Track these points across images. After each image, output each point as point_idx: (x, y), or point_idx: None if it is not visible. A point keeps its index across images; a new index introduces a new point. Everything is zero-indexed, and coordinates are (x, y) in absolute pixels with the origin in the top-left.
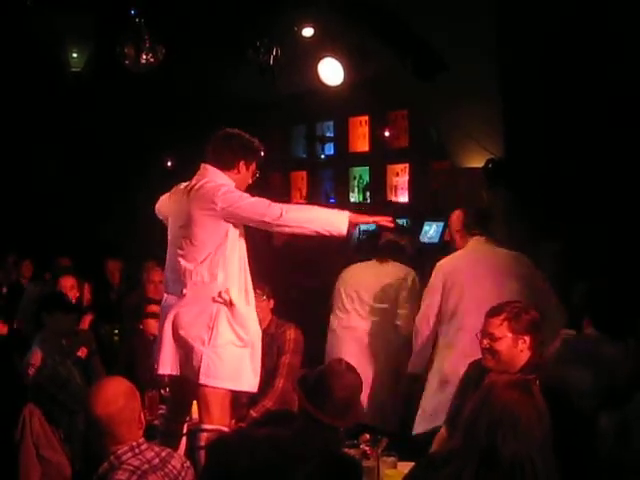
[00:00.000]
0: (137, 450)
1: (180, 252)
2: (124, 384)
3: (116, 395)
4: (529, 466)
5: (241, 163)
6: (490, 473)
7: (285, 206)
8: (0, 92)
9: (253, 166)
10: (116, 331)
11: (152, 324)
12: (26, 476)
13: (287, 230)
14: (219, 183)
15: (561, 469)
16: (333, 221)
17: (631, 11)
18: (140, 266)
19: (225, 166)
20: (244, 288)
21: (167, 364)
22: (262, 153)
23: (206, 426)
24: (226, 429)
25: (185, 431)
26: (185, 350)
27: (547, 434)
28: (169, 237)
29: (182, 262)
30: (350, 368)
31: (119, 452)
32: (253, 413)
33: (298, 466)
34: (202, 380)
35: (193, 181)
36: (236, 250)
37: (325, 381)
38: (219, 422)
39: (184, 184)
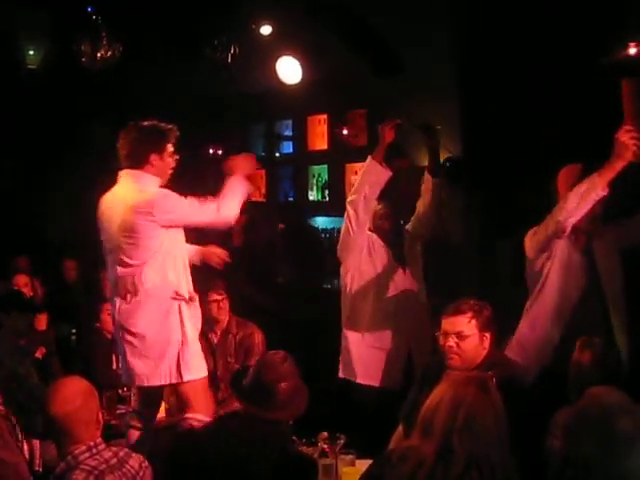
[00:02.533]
0: (94, 450)
1: (125, 259)
2: (82, 383)
3: (74, 394)
4: (486, 465)
5: (152, 156)
6: (446, 471)
7: (216, 200)
8: None
9: (167, 152)
10: (74, 331)
11: (109, 322)
12: None
13: (231, 217)
14: (149, 191)
15: (519, 466)
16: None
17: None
18: (97, 265)
19: (139, 165)
20: (189, 281)
21: (132, 376)
22: (173, 133)
23: (197, 416)
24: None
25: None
26: (152, 357)
27: (503, 432)
28: (108, 246)
29: (126, 269)
30: (286, 357)
31: (76, 452)
32: (221, 411)
33: (251, 466)
34: (185, 378)
35: (120, 192)
36: (178, 247)
37: (263, 377)
38: (207, 411)
39: (111, 194)
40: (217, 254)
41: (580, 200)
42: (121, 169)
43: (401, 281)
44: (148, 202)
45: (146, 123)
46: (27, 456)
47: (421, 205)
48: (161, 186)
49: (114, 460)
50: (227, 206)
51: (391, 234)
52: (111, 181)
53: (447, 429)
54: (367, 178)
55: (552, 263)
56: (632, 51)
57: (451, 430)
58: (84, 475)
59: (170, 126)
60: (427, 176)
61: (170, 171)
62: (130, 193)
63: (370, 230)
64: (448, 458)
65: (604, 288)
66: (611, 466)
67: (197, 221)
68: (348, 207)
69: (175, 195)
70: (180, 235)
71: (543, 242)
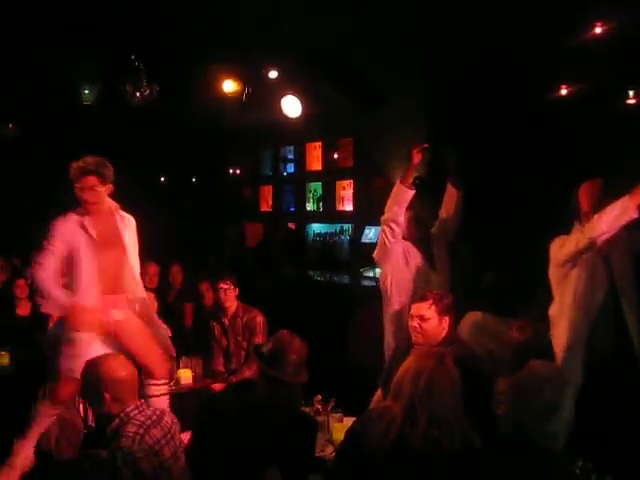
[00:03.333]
0: (141, 408)
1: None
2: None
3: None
4: (445, 422)
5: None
6: (412, 427)
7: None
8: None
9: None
10: None
11: None
12: (46, 430)
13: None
14: None
15: (474, 424)
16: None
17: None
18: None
19: None
20: None
21: None
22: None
23: None
24: None
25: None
26: None
27: (458, 396)
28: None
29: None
30: (294, 335)
31: (127, 410)
32: (233, 379)
33: (269, 423)
34: None
35: None
36: None
37: (280, 349)
38: None
39: None
40: None
41: (613, 221)
42: None
43: (434, 282)
44: None
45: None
46: (82, 413)
47: (444, 212)
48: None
49: (154, 417)
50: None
51: (421, 240)
52: None
53: (412, 393)
54: (396, 199)
55: (579, 270)
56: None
57: (414, 394)
58: (135, 428)
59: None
60: (450, 188)
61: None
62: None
63: (403, 238)
64: (413, 417)
65: (619, 289)
66: (539, 427)
67: None
68: (383, 224)
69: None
70: None
71: (573, 254)
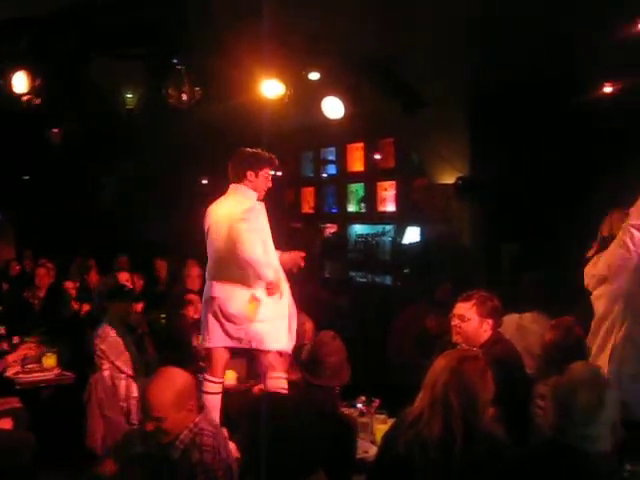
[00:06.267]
0: (205, 414)
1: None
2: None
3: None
4: (466, 424)
5: (248, 172)
6: (430, 429)
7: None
8: (70, 127)
9: (263, 172)
10: (163, 316)
11: (191, 310)
12: (92, 432)
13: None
14: (246, 202)
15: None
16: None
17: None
18: (182, 263)
19: (238, 179)
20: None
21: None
22: (270, 160)
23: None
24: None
25: None
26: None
27: (484, 398)
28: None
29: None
30: (335, 336)
31: (196, 420)
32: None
33: (299, 423)
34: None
35: (225, 204)
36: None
37: (317, 351)
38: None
39: (216, 206)
40: (297, 260)
41: None
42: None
43: None
44: (244, 211)
45: (247, 149)
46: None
47: None
48: (258, 199)
49: (215, 423)
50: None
51: None
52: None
53: (432, 393)
54: None
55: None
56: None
57: (435, 394)
58: (211, 440)
59: (268, 154)
60: None
61: (263, 190)
62: (231, 205)
63: None
64: (432, 417)
65: None
66: (581, 429)
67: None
68: (632, 229)
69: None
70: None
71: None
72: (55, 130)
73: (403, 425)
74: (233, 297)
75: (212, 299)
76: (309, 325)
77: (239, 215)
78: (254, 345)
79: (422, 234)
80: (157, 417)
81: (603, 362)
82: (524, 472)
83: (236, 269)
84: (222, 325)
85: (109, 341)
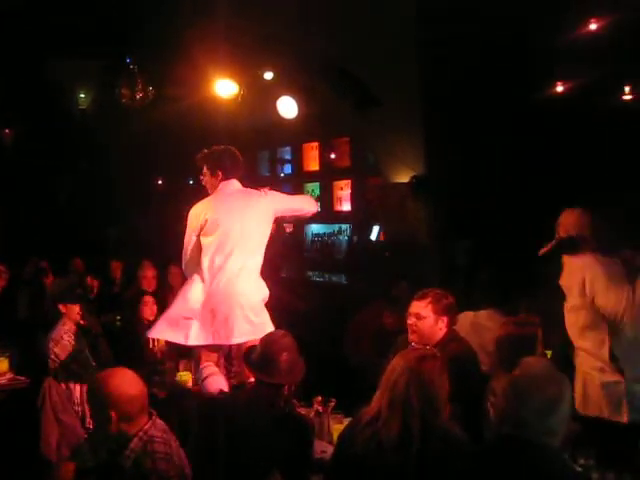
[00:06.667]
0: (154, 421)
1: None
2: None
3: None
4: (423, 422)
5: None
6: (388, 427)
7: None
8: (22, 127)
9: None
10: (118, 318)
11: (146, 311)
12: (47, 436)
13: None
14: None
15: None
16: None
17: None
18: (136, 264)
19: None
20: None
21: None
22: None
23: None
24: None
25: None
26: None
27: (441, 395)
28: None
29: None
30: (286, 334)
31: (145, 427)
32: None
33: (259, 423)
34: None
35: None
36: None
37: (268, 349)
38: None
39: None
40: None
41: None
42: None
43: None
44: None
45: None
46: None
47: None
48: None
49: (163, 428)
50: None
51: None
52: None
53: (390, 393)
54: None
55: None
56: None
57: (392, 394)
58: (163, 447)
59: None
60: None
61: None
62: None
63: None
64: (389, 417)
65: None
66: (540, 424)
67: None
68: None
69: None
70: None
71: None
72: (6, 130)
73: (359, 425)
74: (257, 288)
75: (238, 294)
76: None
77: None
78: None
79: (378, 232)
80: (107, 413)
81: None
82: (483, 469)
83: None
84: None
85: (63, 344)
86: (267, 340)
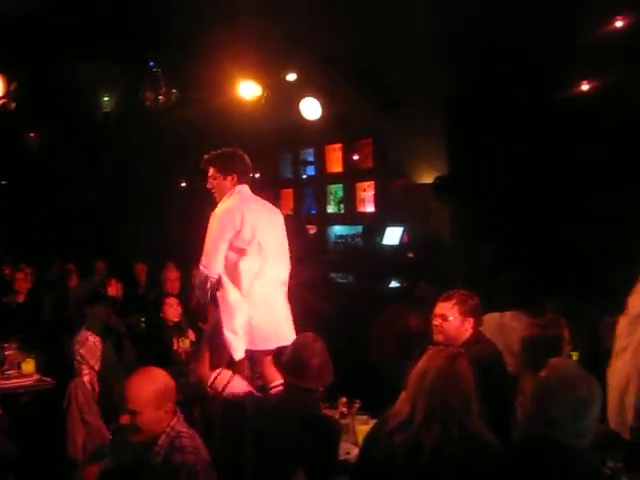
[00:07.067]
0: (178, 416)
1: None
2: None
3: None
4: (451, 423)
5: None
6: (413, 428)
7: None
8: (47, 130)
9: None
10: (143, 319)
11: (170, 313)
12: (72, 437)
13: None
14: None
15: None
16: None
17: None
18: (160, 267)
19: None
20: None
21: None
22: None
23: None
24: None
25: None
26: None
27: (469, 396)
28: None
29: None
30: (316, 338)
31: (171, 423)
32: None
33: (282, 426)
34: None
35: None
36: None
37: (300, 354)
38: None
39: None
40: None
41: None
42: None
43: None
44: None
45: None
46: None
47: None
48: None
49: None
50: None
51: None
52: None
53: (416, 393)
54: None
55: None
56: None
57: (418, 394)
58: (190, 441)
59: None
60: None
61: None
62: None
63: None
64: (416, 418)
65: None
66: (571, 425)
67: None
68: None
69: None
70: None
71: None
72: (32, 134)
73: (386, 427)
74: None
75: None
76: None
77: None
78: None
79: (402, 234)
80: (132, 410)
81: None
82: (512, 470)
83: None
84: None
85: (88, 346)
86: (299, 344)
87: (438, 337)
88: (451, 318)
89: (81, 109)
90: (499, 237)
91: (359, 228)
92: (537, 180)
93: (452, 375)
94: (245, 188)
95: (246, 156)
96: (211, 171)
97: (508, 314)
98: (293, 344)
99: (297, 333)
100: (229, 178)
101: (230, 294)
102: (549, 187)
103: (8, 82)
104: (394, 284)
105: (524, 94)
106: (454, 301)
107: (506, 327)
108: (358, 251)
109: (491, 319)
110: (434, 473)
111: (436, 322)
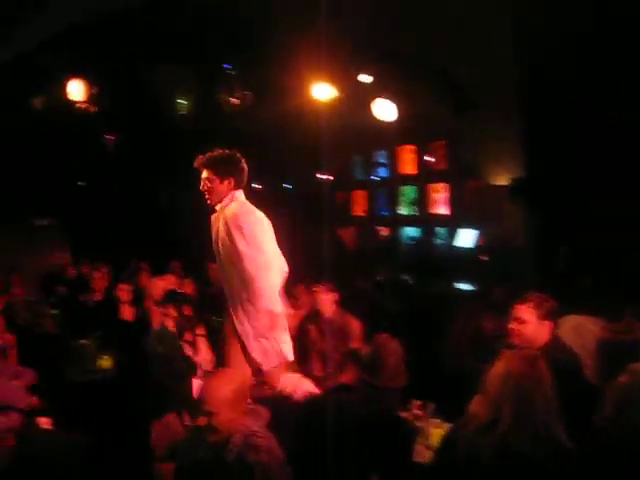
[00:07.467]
0: (252, 415)
1: None
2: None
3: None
4: (532, 426)
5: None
6: (497, 431)
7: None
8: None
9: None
10: (220, 319)
11: None
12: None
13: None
14: None
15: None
16: None
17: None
18: None
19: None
20: None
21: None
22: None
23: None
24: None
25: None
26: None
27: (549, 399)
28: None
29: None
30: (392, 339)
31: (247, 423)
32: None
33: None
34: None
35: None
36: None
37: (377, 353)
38: None
39: None
40: None
41: None
42: None
43: None
44: None
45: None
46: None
47: None
48: None
49: (261, 422)
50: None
51: None
52: None
53: (497, 397)
54: None
55: None
56: None
57: (500, 397)
58: (265, 441)
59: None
60: None
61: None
62: None
63: None
64: (499, 421)
65: None
66: None
67: None
68: None
69: None
70: None
71: None
72: (111, 136)
73: (465, 430)
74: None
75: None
76: (356, 324)
77: None
78: None
79: (476, 236)
80: (210, 411)
81: None
82: (590, 473)
83: None
84: None
85: (165, 343)
86: (376, 344)
87: (515, 340)
88: (528, 321)
89: (158, 112)
90: (575, 241)
91: (432, 230)
92: (616, 184)
93: (534, 378)
94: (241, 194)
95: (244, 160)
96: (206, 173)
97: (586, 317)
98: (372, 343)
99: (370, 334)
100: (226, 182)
101: (276, 306)
102: (628, 192)
103: (90, 86)
104: (467, 287)
105: (606, 96)
106: (531, 304)
107: (584, 330)
108: (430, 253)
109: (568, 321)
110: (518, 472)
111: (512, 325)
